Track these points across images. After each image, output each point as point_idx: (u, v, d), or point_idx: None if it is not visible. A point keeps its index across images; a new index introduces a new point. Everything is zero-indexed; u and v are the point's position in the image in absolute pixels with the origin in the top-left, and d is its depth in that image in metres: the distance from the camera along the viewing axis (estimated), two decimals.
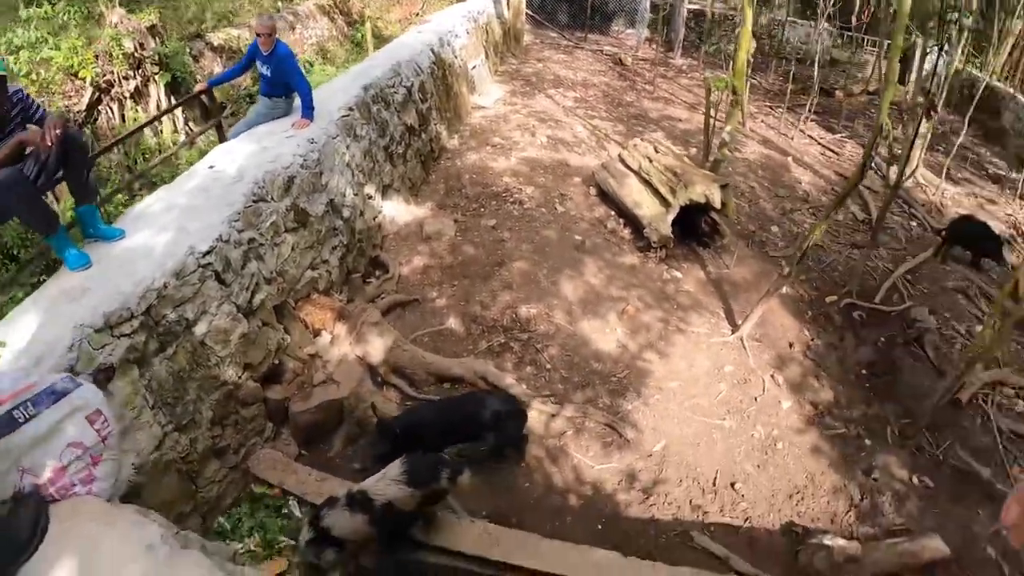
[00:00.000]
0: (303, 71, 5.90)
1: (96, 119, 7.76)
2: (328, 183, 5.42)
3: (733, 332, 5.91)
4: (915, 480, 4.76)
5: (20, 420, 2.37)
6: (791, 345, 5.90)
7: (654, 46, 16.01)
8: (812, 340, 6.02)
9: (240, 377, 4.29)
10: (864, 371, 5.76)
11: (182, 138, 7.99)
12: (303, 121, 5.50)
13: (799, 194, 9.00)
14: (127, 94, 8.02)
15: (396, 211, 6.73)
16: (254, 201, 4.54)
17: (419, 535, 3.88)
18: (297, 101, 5.64)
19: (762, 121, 11.60)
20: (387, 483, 3.66)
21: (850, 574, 4.01)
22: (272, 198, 4.72)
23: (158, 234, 4.07)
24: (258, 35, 5.35)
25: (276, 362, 4.68)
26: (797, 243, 6.78)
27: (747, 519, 4.40)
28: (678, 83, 13.52)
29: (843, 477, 4.73)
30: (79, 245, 3.96)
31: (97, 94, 7.70)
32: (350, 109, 6.06)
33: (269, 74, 5.55)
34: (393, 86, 7.07)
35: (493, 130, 9.15)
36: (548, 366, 5.20)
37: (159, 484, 3.64)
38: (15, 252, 5.90)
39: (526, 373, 5.13)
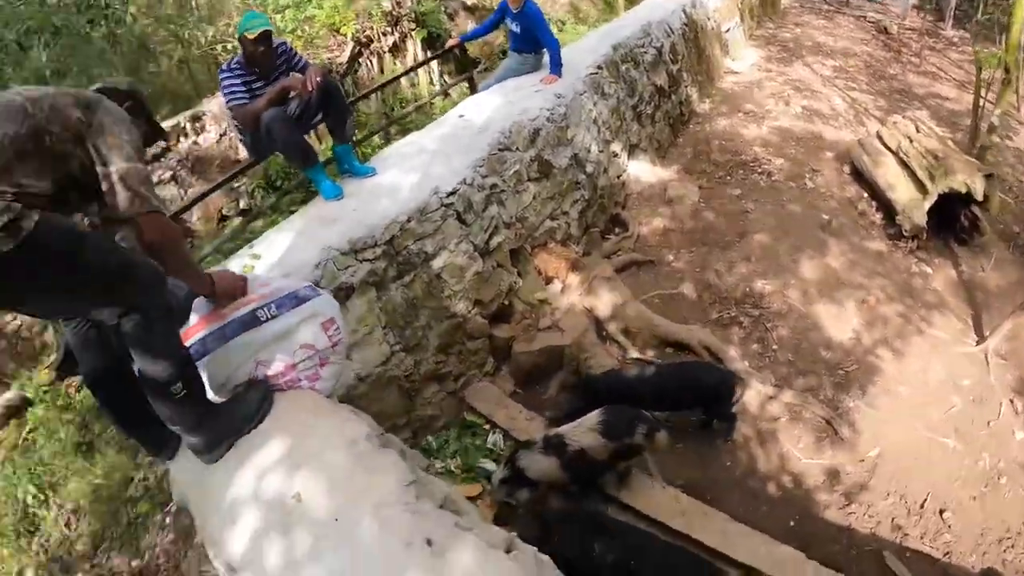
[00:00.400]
0: (551, 29, 6.10)
1: (357, 71, 8.69)
2: (573, 138, 5.58)
3: (978, 343, 5.25)
4: None
5: (262, 319, 2.61)
6: None
7: (922, 14, 14.22)
8: None
9: (470, 312, 4.61)
10: None
11: (436, 89, 8.70)
12: (551, 77, 5.68)
13: None
14: (385, 49, 8.88)
15: (641, 171, 6.78)
16: (499, 150, 4.79)
17: (611, 489, 3.92)
18: (546, 58, 5.83)
19: None
20: (583, 431, 3.72)
21: None
22: (517, 148, 4.96)
23: (406, 174, 4.45)
24: None
25: (506, 303, 4.97)
26: None
27: (947, 553, 3.95)
28: (947, 57, 11.92)
29: None
30: (334, 179, 4.45)
31: (358, 48, 8.60)
32: (599, 67, 6.16)
33: (518, 30, 5.80)
34: (643, 46, 7.03)
35: (745, 96, 8.79)
36: (775, 346, 5.02)
37: (380, 396, 4.05)
38: (278, 183, 6.87)
39: (751, 350, 5.00)
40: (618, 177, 6.42)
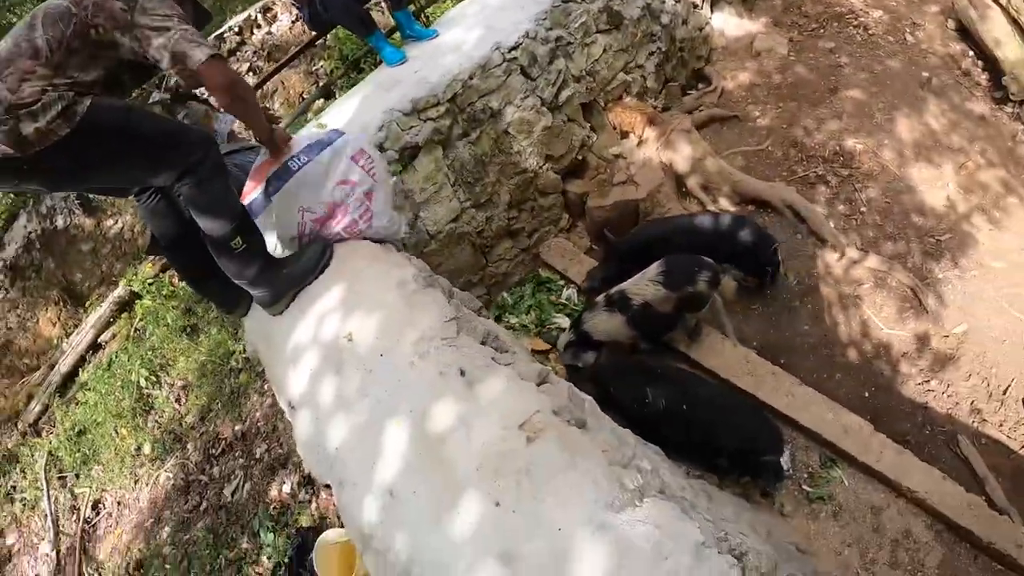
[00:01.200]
0: None
1: None
2: None
3: None
4: None
5: (293, 168, 2.69)
6: None
7: None
8: None
9: (541, 167, 4.54)
10: None
11: None
12: None
13: None
14: None
15: (726, 24, 6.26)
16: (563, 1, 4.49)
17: (681, 346, 3.90)
18: None
19: None
20: (645, 283, 3.64)
21: None
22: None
23: (468, 31, 4.33)
24: None
25: (579, 158, 4.85)
26: None
27: None
28: None
29: None
30: (397, 45, 4.38)
31: None
32: None
33: None
34: None
35: None
36: (863, 208, 4.73)
37: (452, 252, 4.15)
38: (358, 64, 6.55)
39: (837, 211, 4.73)
40: (700, 30, 5.93)
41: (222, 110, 2.84)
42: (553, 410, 1.91)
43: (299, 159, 2.73)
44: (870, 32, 6.20)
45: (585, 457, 1.74)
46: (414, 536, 1.76)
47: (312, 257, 2.69)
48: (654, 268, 3.67)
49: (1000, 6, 5.98)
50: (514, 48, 4.18)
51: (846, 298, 4.38)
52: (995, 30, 5.89)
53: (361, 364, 2.25)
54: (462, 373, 2.07)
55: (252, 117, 2.49)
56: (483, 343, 2.33)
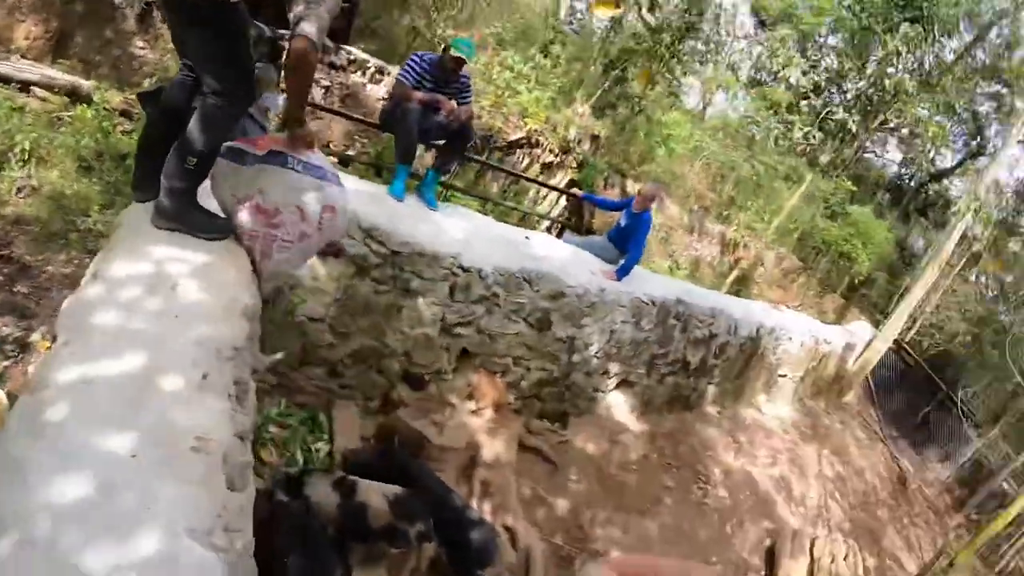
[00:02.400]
0: (645, 243, 6.62)
1: (510, 153, 9.52)
2: (583, 327, 5.96)
3: None
4: None
5: (289, 164, 2.86)
6: None
7: (949, 478, 14.31)
8: None
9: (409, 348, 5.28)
10: None
11: (545, 206, 9.50)
12: (612, 274, 6.13)
13: None
14: (540, 158, 9.69)
15: (618, 403, 7.00)
16: (523, 279, 5.45)
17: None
18: (623, 260, 6.25)
19: None
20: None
21: None
22: (537, 289, 5.52)
23: (454, 228, 5.17)
24: (643, 196, 6.26)
25: (430, 377, 5.43)
26: None
27: None
28: (940, 527, 11.83)
29: None
30: (409, 188, 5.14)
31: (524, 139, 9.44)
32: (652, 302, 6.56)
33: (623, 224, 6.41)
34: (702, 322, 7.46)
35: (752, 433, 9.04)
36: None
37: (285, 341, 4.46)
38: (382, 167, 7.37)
39: None
40: (593, 389, 6.63)
41: (283, 87, 3.08)
42: None
43: (299, 164, 2.88)
44: (704, 500, 7.01)
45: None
46: None
47: (217, 224, 2.84)
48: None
49: (811, 557, 6.86)
50: (479, 272, 4.97)
51: None
52: (793, 572, 6.67)
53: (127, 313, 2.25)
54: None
55: (298, 96, 2.84)
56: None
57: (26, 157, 5.17)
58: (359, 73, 8.44)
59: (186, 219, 2.75)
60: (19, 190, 5.04)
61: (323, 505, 3.73)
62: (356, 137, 8.51)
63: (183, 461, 1.79)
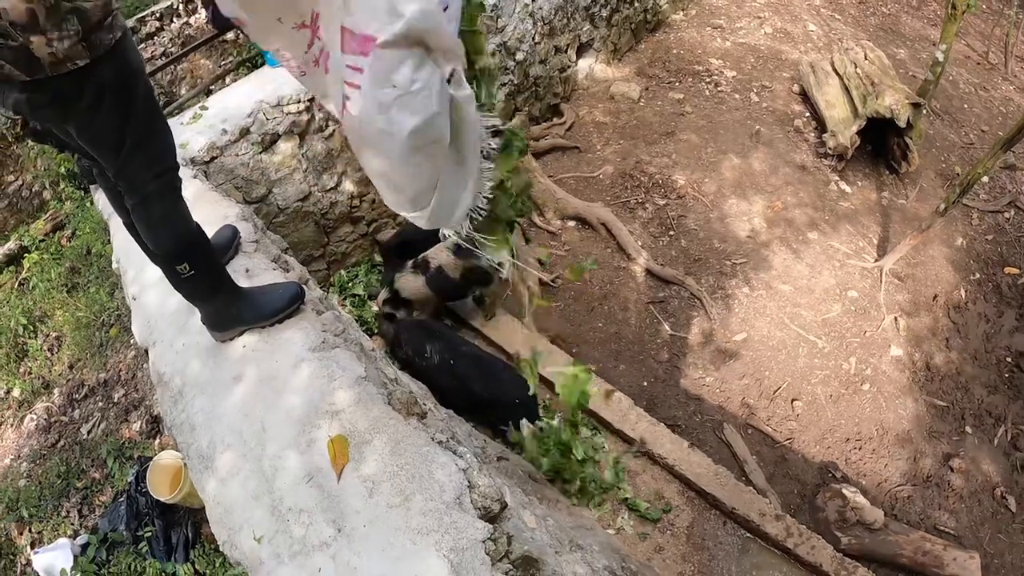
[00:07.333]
0: None
1: None
2: (504, 27, 5.82)
3: (876, 261, 5.57)
4: (998, 494, 4.31)
5: None
6: (935, 297, 5.37)
7: None
8: (964, 303, 5.38)
9: None
10: (1011, 359, 5.05)
11: None
12: None
13: None
14: None
15: (592, 68, 7.12)
16: None
17: (476, 323, 4.55)
18: None
19: None
20: (440, 249, 4.27)
21: (856, 538, 3.84)
22: None
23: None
24: None
25: None
26: (960, 178, 5.77)
27: (790, 439, 4.36)
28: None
29: (915, 451, 4.39)
30: None
31: None
32: None
33: None
34: None
35: (723, 12, 8.86)
36: (672, 232, 5.52)
37: (297, 227, 4.77)
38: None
39: (650, 231, 5.51)
40: (560, 71, 6.68)
41: None
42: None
43: None
44: (719, 88, 7.14)
45: None
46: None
47: (281, 297, 2.32)
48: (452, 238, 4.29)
49: (838, 75, 6.94)
50: None
51: (639, 303, 5.05)
52: (829, 94, 6.85)
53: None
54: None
55: None
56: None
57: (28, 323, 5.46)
58: (174, 17, 7.73)
59: (238, 322, 2.29)
60: (50, 349, 5.34)
61: (414, 290, 4.22)
62: (223, 61, 8.01)
63: None
